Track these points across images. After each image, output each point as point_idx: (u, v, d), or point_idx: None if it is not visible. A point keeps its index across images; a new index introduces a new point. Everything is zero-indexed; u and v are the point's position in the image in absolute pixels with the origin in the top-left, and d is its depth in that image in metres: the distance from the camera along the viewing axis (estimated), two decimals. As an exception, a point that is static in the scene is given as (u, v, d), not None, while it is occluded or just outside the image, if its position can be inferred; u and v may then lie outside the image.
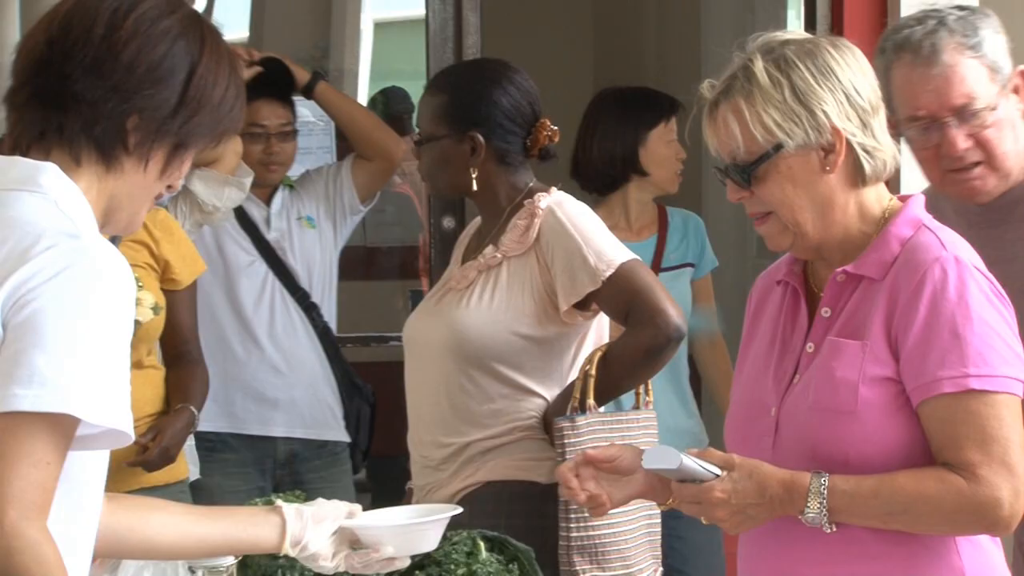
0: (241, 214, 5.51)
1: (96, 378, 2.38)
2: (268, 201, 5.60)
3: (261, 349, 5.52)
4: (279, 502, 2.99)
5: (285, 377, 5.50)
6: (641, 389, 4.18)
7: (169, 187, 2.65)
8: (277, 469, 5.54)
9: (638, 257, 4.12)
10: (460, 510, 3.12)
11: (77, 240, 2.41)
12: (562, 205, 4.14)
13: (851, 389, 2.91)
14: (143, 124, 2.54)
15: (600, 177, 5.43)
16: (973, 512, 2.86)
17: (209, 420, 5.30)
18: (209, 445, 5.41)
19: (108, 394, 2.40)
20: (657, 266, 5.35)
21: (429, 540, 3.08)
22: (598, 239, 4.09)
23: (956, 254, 2.92)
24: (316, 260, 5.58)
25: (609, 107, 5.54)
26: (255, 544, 2.99)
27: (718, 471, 2.87)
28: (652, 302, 4.02)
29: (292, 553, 2.93)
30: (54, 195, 2.49)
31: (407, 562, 3.07)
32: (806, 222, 2.96)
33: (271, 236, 5.56)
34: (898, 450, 2.90)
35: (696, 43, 7.55)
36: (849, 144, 2.93)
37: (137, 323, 4.60)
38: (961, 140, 3.61)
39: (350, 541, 2.99)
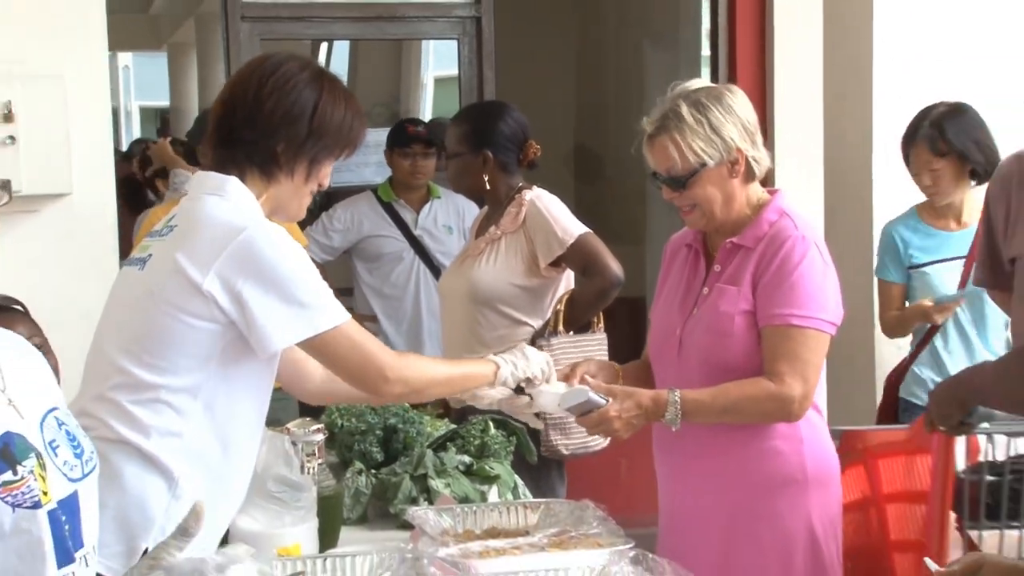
0: (396, 217, 5.43)
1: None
2: (418, 209, 5.48)
3: (410, 306, 5.42)
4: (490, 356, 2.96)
5: (425, 325, 5.39)
6: (595, 319, 4.16)
7: (320, 185, 2.69)
8: None
9: (590, 230, 4.09)
10: (605, 402, 2.95)
11: (245, 230, 2.48)
12: (540, 198, 4.14)
13: (730, 319, 2.97)
14: (287, 149, 2.60)
15: None
16: (777, 405, 2.93)
17: None
18: None
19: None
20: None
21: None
22: (563, 219, 4.08)
23: (804, 234, 2.99)
24: (451, 251, 5.40)
25: None
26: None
27: (605, 400, 2.92)
28: (601, 260, 4.02)
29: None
30: (234, 198, 2.57)
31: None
32: (717, 211, 3.02)
33: (417, 233, 5.44)
34: (755, 357, 2.96)
35: (641, 91, 7.53)
36: (746, 157, 2.99)
37: None
38: None
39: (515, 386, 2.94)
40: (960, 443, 3.46)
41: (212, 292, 2.45)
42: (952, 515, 3.45)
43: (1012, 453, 3.51)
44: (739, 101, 3.02)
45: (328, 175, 2.71)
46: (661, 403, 2.94)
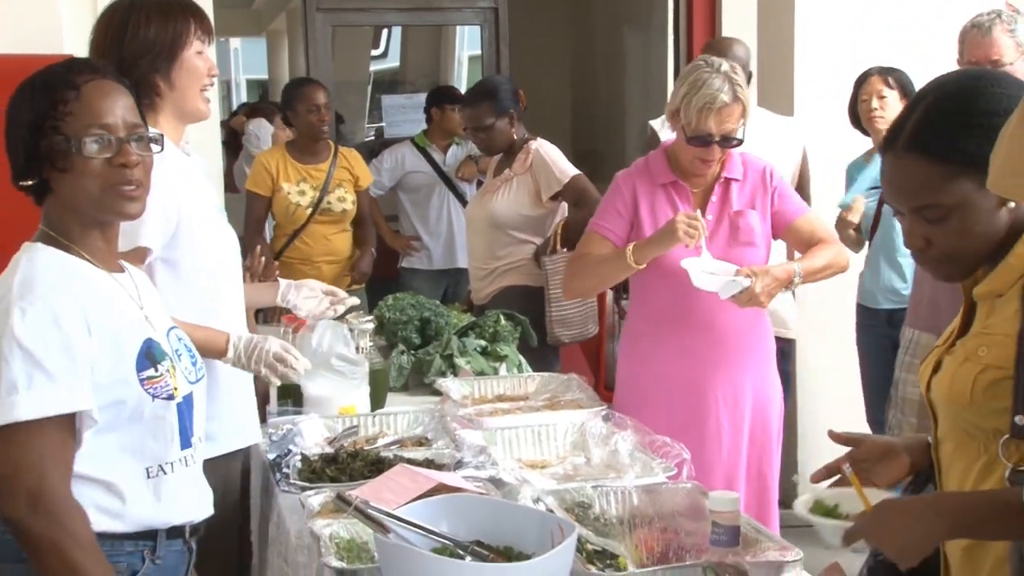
0: (429, 158, 5.30)
1: None
2: (445, 151, 5.33)
3: (445, 226, 5.29)
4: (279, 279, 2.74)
5: (458, 240, 5.21)
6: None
7: (210, 77, 2.27)
8: (448, 281, 5.31)
9: (581, 172, 4.01)
10: (748, 283, 2.76)
11: None
12: (543, 146, 4.07)
13: (757, 233, 2.92)
14: (139, 79, 2.17)
15: None
16: (845, 258, 2.98)
17: (415, 260, 5.25)
18: (412, 273, 5.27)
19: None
20: None
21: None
22: (561, 163, 4.02)
23: (769, 161, 2.99)
24: (474, 183, 5.29)
25: None
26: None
27: (751, 280, 2.76)
28: (589, 195, 3.95)
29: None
30: None
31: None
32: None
33: (445, 169, 5.32)
34: (767, 255, 2.95)
35: (622, 64, 7.41)
36: None
37: (345, 210, 4.63)
38: None
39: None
40: None
41: None
42: None
43: None
44: None
45: (205, 62, 2.27)
46: (789, 272, 2.83)
